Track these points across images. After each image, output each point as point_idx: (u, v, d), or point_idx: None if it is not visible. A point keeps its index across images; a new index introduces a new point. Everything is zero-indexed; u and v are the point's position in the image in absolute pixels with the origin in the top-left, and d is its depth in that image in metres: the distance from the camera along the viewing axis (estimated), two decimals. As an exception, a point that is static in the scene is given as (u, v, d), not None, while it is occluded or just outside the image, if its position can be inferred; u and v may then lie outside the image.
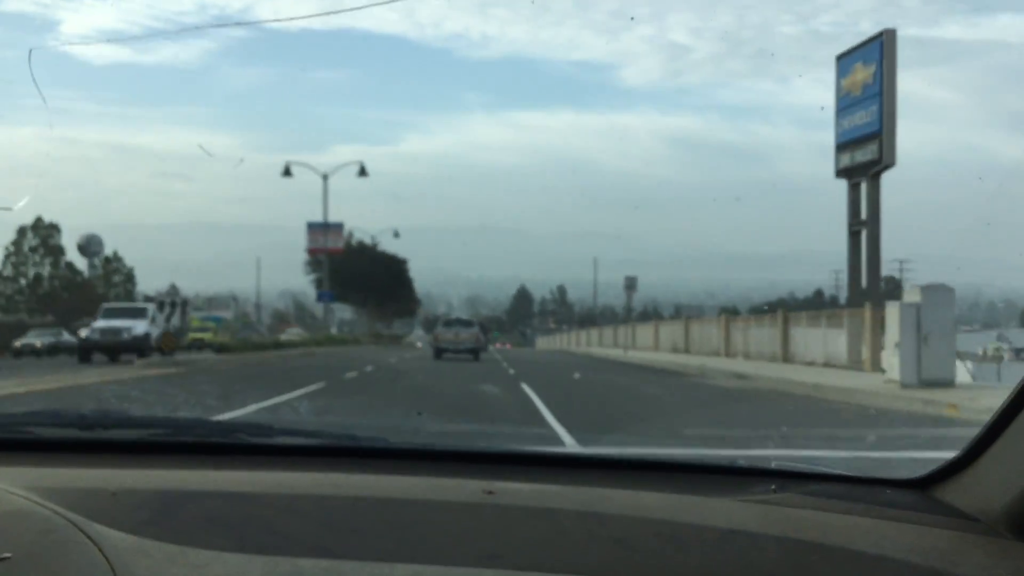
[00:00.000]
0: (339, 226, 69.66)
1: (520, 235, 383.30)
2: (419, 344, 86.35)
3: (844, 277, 31.74)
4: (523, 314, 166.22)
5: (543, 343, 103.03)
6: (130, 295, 73.99)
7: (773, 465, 1.73)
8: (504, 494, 1.53)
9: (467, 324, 39.72)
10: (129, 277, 77.90)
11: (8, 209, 2.81)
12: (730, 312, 47.82)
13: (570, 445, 8.81)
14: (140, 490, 1.51)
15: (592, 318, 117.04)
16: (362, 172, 56.84)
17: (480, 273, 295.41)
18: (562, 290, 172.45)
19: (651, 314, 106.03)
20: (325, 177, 58.19)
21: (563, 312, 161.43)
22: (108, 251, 75.43)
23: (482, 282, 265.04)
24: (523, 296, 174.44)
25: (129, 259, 79.07)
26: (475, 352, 36.83)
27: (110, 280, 74.82)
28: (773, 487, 1.59)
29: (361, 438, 1.91)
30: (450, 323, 40.26)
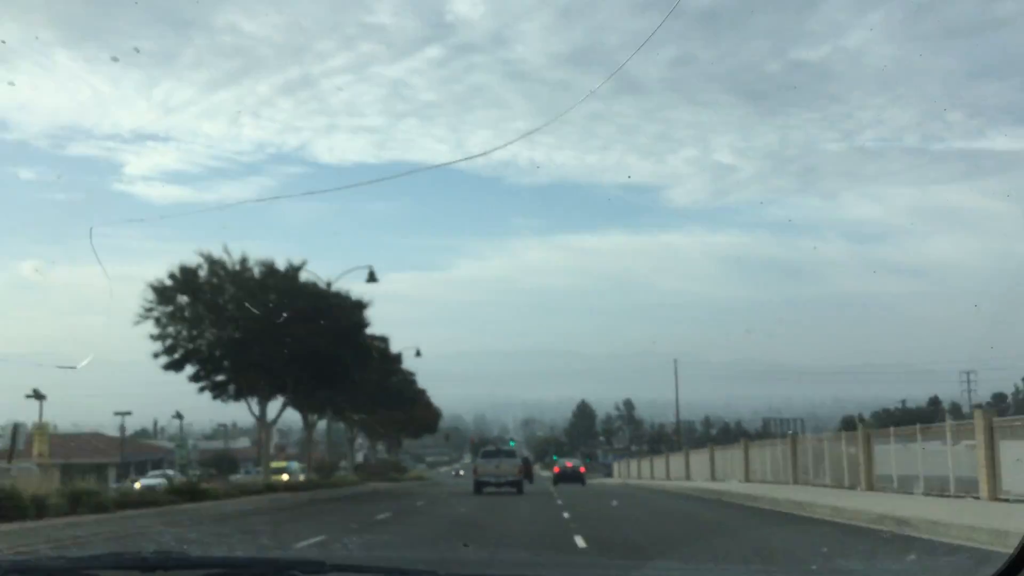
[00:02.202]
0: None
1: (576, 356, 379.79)
2: (461, 472, 78.54)
3: (978, 379, 27.10)
4: (584, 432, 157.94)
5: (624, 470, 78.97)
6: None
7: None
8: None
9: (509, 454, 38.59)
10: None
11: (72, 368, 4.75)
12: (854, 426, 42.35)
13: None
14: None
15: (665, 436, 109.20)
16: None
17: (537, 395, 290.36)
18: (629, 404, 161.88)
19: (736, 433, 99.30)
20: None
21: (631, 429, 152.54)
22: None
23: (539, 404, 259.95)
24: (584, 413, 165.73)
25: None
26: (518, 485, 35.70)
27: None
28: None
29: (410, 571, 1.96)
30: (490, 453, 38.58)
